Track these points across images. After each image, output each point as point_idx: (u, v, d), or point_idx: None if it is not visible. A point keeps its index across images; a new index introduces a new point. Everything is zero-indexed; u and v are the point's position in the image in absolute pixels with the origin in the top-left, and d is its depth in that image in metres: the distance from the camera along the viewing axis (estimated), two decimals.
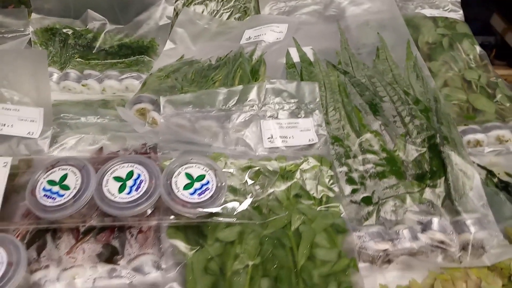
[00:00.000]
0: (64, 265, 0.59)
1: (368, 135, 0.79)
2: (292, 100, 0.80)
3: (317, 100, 0.81)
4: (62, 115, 0.79)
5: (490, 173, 0.80)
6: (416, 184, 0.73)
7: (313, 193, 0.70)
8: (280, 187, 0.69)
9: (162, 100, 0.80)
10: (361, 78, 0.90)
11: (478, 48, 1.02)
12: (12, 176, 0.63)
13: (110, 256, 0.60)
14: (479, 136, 0.86)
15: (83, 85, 0.93)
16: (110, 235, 0.62)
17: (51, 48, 0.95)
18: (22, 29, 0.94)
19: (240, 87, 0.80)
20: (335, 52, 0.97)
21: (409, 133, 0.79)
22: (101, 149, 0.74)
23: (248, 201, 0.65)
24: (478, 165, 0.80)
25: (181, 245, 0.62)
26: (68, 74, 0.93)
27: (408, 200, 0.71)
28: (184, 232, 0.64)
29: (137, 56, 0.99)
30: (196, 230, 0.64)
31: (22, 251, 0.54)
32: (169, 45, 1.01)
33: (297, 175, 0.71)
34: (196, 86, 0.88)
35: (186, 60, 0.98)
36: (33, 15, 0.96)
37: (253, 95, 0.79)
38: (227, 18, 1.09)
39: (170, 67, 0.96)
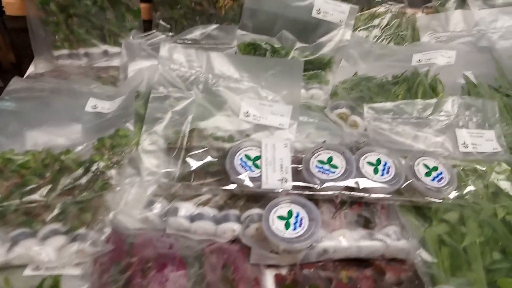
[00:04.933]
0: (332, 227, 0.75)
1: None
2: (479, 114, 0.95)
3: (497, 115, 0.96)
4: None
5: None
6: None
7: (508, 192, 0.84)
8: (479, 186, 0.83)
9: (365, 106, 0.97)
10: None
11: None
12: None
13: (365, 223, 0.76)
14: None
15: None
16: (360, 207, 0.78)
17: None
18: (230, 43, 1.14)
19: (434, 100, 0.96)
20: (491, 78, 1.12)
21: None
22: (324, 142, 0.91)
23: (469, 188, 0.79)
24: None
25: (413, 221, 0.77)
26: None
27: None
28: (412, 212, 0.79)
29: (316, 71, 1.16)
30: (420, 212, 0.79)
31: (316, 211, 0.70)
32: (343, 63, 1.19)
33: (492, 176, 0.85)
34: (382, 98, 1.04)
35: (362, 76, 1.15)
36: (238, 31, 1.16)
37: (447, 107, 0.94)
38: (387, 43, 1.26)
39: (351, 81, 1.13)
